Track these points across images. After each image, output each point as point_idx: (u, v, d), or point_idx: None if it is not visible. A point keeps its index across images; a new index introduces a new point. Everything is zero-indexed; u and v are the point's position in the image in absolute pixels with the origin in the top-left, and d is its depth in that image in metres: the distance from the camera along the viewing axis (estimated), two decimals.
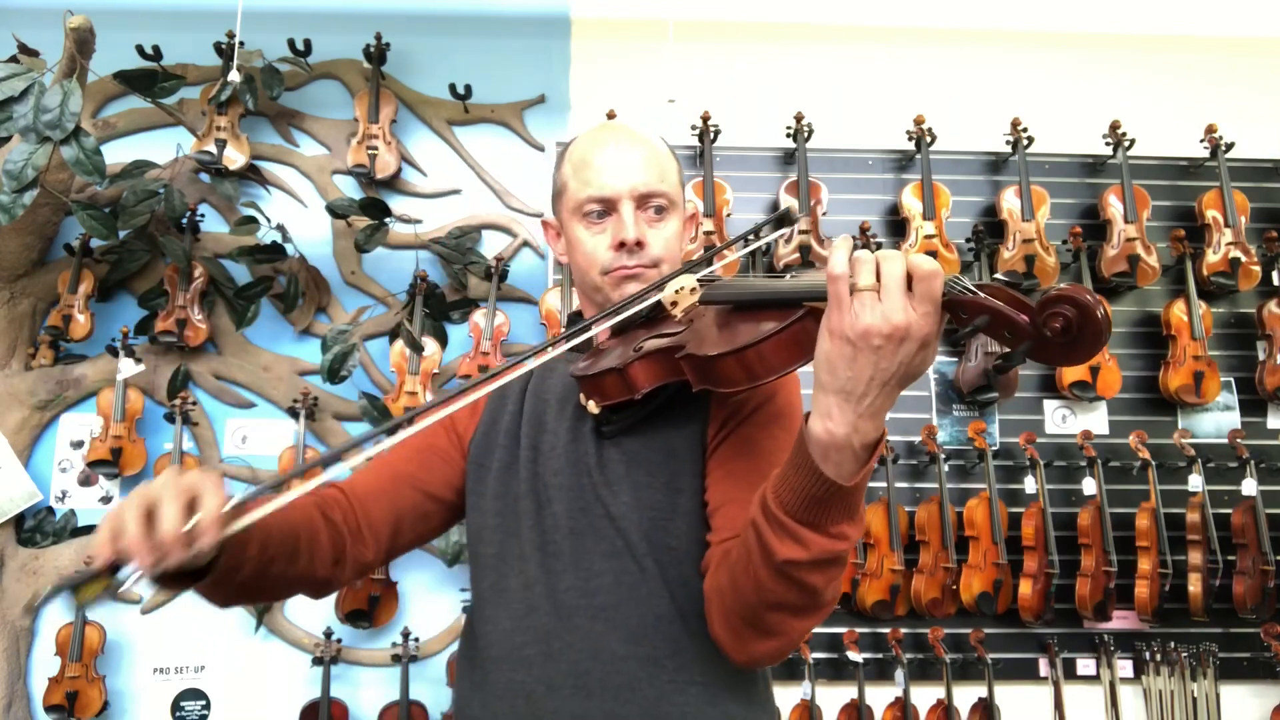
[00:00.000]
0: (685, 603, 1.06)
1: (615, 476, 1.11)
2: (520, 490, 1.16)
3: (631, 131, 1.22)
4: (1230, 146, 2.89)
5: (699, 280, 1.09)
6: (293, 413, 2.77)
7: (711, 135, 2.87)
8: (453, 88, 2.91)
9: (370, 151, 2.84)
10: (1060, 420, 2.91)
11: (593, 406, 1.11)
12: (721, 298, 1.05)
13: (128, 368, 2.70)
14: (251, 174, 2.92)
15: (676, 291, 1.09)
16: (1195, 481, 2.69)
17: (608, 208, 1.17)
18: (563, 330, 1.21)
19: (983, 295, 0.78)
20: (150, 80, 2.70)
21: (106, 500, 2.80)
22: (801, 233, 2.79)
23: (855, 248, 0.83)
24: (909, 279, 0.79)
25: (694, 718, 1.04)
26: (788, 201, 2.87)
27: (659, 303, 1.08)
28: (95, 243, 2.80)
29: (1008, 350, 0.77)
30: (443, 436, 1.27)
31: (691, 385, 1.01)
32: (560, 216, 1.25)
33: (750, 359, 0.91)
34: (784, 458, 0.92)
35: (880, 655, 2.71)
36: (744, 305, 1.01)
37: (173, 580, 0.93)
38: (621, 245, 1.15)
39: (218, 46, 2.86)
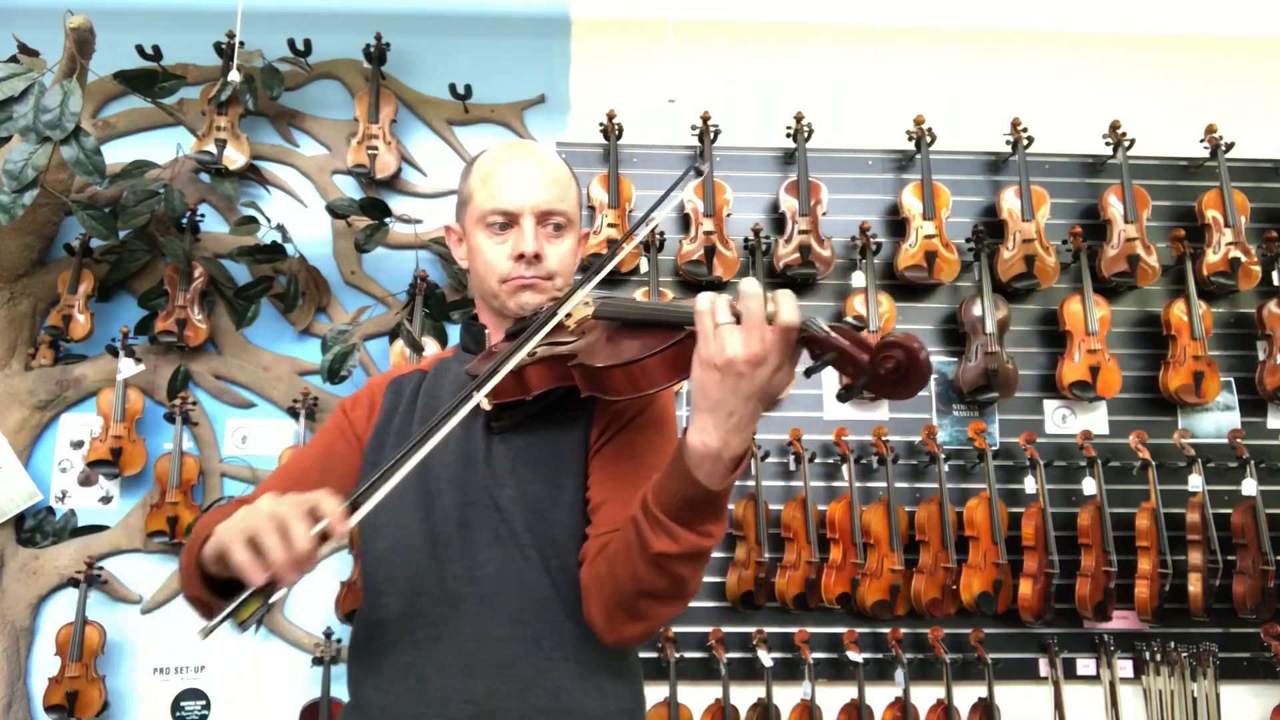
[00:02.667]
0: (565, 588, 1.15)
1: (502, 471, 1.19)
2: (411, 485, 1.21)
3: (539, 152, 1.31)
4: (1230, 146, 2.89)
5: (594, 295, 1.18)
6: (293, 413, 2.77)
7: (711, 135, 2.87)
8: (453, 88, 2.91)
9: (370, 151, 2.84)
10: (1060, 420, 2.91)
11: (486, 404, 1.18)
12: (612, 314, 1.14)
13: (128, 368, 2.70)
14: (251, 174, 2.92)
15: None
16: (1195, 481, 2.69)
17: (510, 220, 1.26)
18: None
19: (834, 335, 0.90)
20: (150, 80, 2.70)
21: (106, 500, 2.80)
22: (801, 233, 2.79)
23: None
24: (769, 314, 0.91)
25: (568, 690, 1.13)
26: (788, 201, 2.87)
27: (554, 311, 1.16)
28: (95, 243, 2.80)
29: (849, 382, 0.90)
30: (341, 442, 1.33)
31: (580, 391, 1.10)
32: (464, 224, 1.34)
33: (635, 372, 1.02)
34: (659, 461, 1.05)
35: (880, 655, 2.71)
36: (632, 323, 1.10)
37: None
38: (521, 257, 1.25)
39: (218, 46, 2.86)
